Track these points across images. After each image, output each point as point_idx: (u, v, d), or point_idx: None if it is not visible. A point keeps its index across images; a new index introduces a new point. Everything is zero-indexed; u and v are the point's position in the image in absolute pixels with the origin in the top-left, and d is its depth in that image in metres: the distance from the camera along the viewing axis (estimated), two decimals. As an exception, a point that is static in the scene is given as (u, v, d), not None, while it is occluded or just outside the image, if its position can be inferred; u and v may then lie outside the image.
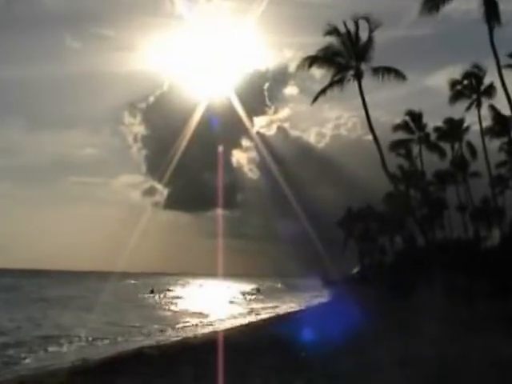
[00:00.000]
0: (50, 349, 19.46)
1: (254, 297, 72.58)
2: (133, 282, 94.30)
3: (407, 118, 54.98)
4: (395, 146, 54.95)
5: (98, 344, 21.25)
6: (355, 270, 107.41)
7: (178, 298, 64.91)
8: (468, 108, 47.70)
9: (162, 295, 71.19)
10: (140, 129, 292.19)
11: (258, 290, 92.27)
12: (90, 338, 22.29)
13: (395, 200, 65.09)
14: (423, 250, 53.66)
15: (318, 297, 64.79)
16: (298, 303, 53.11)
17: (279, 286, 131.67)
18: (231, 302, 55.42)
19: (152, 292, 77.33)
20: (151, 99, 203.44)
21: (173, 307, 47.30)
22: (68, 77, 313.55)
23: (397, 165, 62.49)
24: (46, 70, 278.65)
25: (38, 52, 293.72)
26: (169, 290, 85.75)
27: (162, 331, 26.58)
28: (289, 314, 36.67)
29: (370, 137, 41.43)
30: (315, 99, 40.94)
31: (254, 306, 50.24)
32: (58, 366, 14.88)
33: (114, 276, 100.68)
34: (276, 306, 48.89)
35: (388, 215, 78.24)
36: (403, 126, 54.94)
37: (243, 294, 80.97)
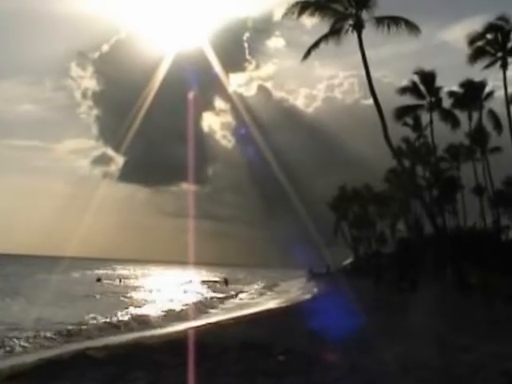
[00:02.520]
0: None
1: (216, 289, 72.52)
2: (76, 275, 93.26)
3: (416, 78, 54.76)
4: (401, 112, 54.83)
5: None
6: (348, 261, 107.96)
7: (129, 288, 65.00)
8: (488, 66, 47.48)
9: (110, 284, 71.46)
10: (91, 83, 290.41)
11: (226, 282, 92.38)
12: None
13: (399, 178, 65.27)
14: (431, 239, 53.97)
15: (301, 292, 64.93)
16: (276, 299, 53.23)
17: (255, 276, 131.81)
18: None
19: (99, 281, 78.03)
20: (105, 48, 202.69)
21: (119, 299, 47.99)
22: (2, 16, 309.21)
23: (402, 136, 62.57)
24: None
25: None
26: (121, 279, 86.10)
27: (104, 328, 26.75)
28: (266, 311, 36.66)
29: (370, 101, 41.43)
30: (307, 55, 40.52)
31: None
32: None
33: (57, 263, 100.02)
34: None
35: (389, 197, 78.44)
36: (411, 89, 54.70)
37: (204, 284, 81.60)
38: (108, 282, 78.02)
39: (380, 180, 77.55)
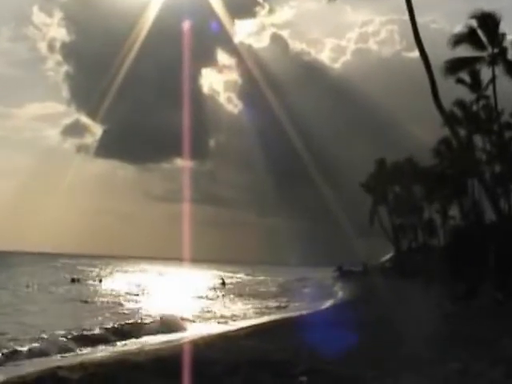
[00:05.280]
0: None
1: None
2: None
3: (474, 23, 54.41)
4: (454, 67, 54.52)
5: None
6: (387, 257, 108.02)
7: (108, 291, 65.42)
8: None
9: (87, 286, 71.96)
10: (59, 32, 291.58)
11: (223, 284, 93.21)
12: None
13: (451, 151, 65.17)
14: (493, 228, 53.83)
15: (326, 295, 65.24)
16: (295, 305, 53.70)
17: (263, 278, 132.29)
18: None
19: (73, 281, 78.51)
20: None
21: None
22: None
23: (456, 97, 62.38)
24: None
25: None
26: (100, 281, 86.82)
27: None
28: (283, 320, 36.93)
29: (414, 53, 41.48)
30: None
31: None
32: None
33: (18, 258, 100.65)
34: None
35: (440, 174, 78.34)
36: (467, 37, 54.33)
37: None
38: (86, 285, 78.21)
39: (427, 153, 77.38)
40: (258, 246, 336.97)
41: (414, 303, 41.17)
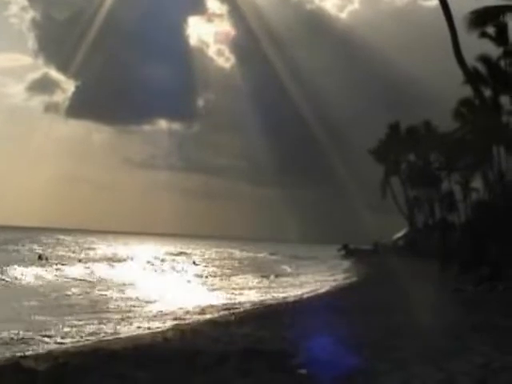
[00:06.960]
0: None
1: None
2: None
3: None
4: (479, 18, 54.27)
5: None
6: (399, 234, 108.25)
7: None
8: None
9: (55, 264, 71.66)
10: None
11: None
12: None
13: (475, 114, 65.05)
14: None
15: (330, 276, 65.66)
16: (295, 287, 54.00)
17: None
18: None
19: (40, 258, 78.34)
20: None
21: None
22: None
23: (480, 53, 62.21)
24: None
25: None
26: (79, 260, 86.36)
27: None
28: (277, 304, 37.02)
29: (432, 1, 41.22)
30: None
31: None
32: None
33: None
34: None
35: (461, 140, 78.30)
36: (495, -18, 54.19)
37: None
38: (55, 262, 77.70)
39: (447, 116, 77.23)
40: (253, 220, 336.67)
41: (430, 286, 41.31)
